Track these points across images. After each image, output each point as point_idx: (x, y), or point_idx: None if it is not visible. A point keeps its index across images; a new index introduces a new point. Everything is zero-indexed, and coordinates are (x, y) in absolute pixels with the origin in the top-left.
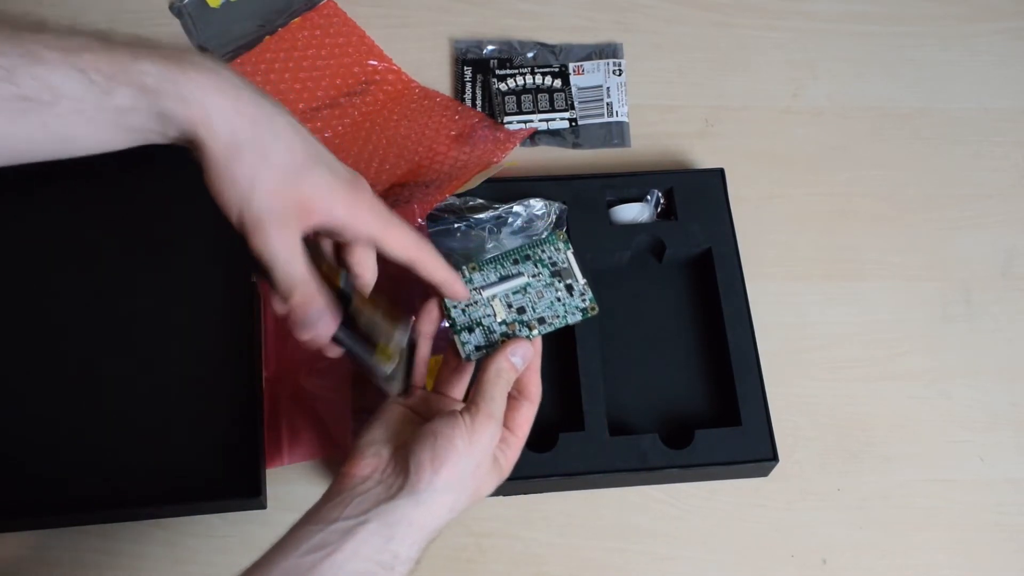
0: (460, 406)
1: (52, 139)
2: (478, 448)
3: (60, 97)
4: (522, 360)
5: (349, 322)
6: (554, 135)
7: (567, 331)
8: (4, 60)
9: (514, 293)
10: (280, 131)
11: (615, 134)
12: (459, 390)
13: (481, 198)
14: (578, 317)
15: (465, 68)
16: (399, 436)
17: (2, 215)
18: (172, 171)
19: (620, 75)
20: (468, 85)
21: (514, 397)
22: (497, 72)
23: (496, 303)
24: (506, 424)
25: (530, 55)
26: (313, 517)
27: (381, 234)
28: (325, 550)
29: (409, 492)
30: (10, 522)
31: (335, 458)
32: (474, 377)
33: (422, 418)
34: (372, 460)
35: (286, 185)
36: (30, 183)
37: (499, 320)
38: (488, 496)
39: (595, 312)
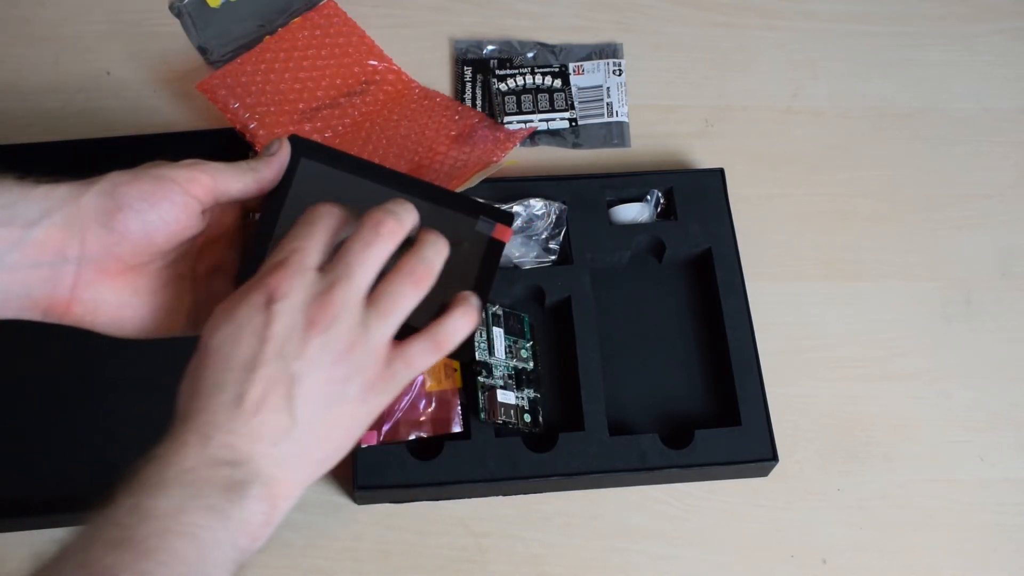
0: None
1: None
2: None
3: None
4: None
5: None
6: (554, 135)
7: (567, 331)
8: None
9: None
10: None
11: (615, 134)
12: None
13: (481, 198)
14: None
15: (465, 68)
16: None
17: None
18: None
19: (620, 75)
20: (468, 85)
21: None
22: (497, 72)
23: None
24: None
25: (530, 55)
26: None
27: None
28: None
29: None
30: (10, 522)
31: None
32: None
33: None
34: None
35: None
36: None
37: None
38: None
39: None
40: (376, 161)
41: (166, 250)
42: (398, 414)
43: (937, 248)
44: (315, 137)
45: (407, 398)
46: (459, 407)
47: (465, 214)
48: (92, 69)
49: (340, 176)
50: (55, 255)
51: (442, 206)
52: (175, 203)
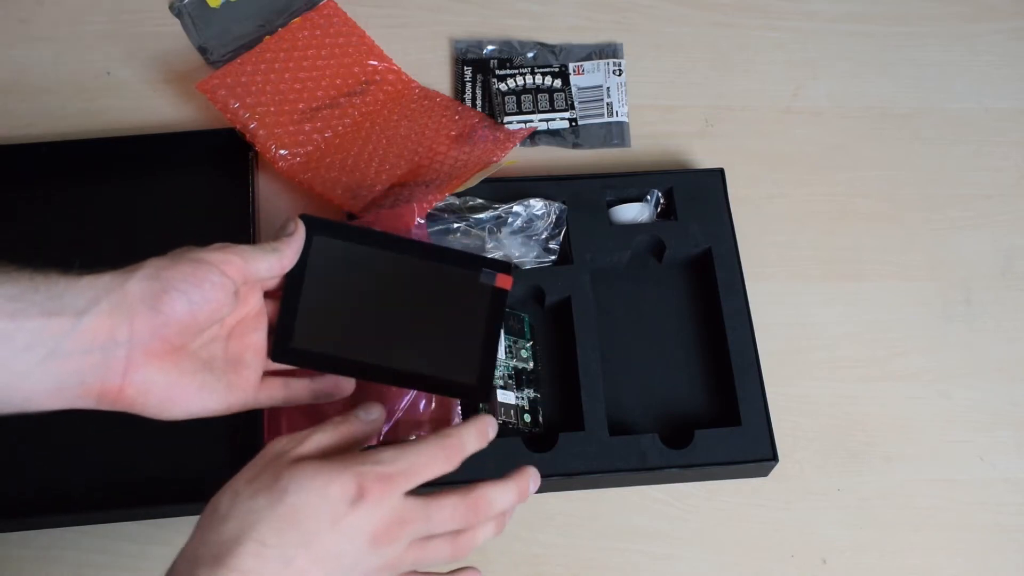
0: None
1: None
2: None
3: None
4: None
5: None
6: (554, 135)
7: (567, 331)
8: None
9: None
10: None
11: (615, 134)
12: None
13: (481, 198)
14: None
15: (465, 68)
16: None
17: (3, 214)
18: (170, 170)
19: (620, 75)
20: (468, 85)
21: None
22: (497, 72)
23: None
24: None
25: (530, 55)
26: None
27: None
28: None
29: None
30: (10, 522)
31: None
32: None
33: None
34: None
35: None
36: (31, 184)
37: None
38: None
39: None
40: (376, 161)
41: (205, 329)
42: (398, 414)
43: (937, 248)
44: (315, 137)
45: (407, 398)
46: (459, 407)
47: (467, 268)
48: (92, 69)
49: (351, 247)
50: (106, 340)
51: (445, 264)
52: (215, 284)
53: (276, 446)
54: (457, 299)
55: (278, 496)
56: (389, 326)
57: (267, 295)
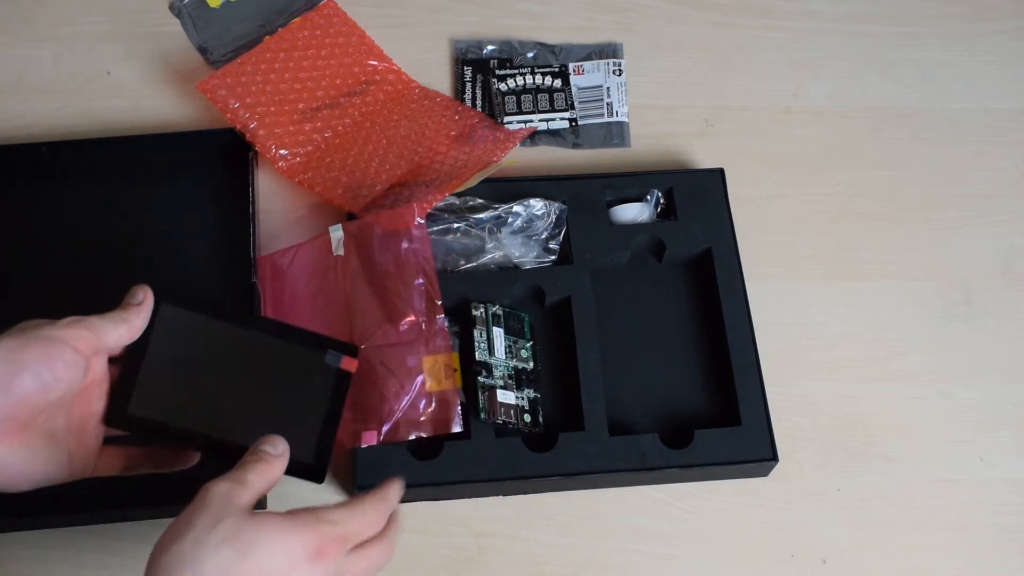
0: None
1: None
2: None
3: None
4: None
5: None
6: (554, 135)
7: (567, 331)
8: None
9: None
10: None
11: (615, 134)
12: None
13: (481, 198)
14: None
15: (465, 68)
16: None
17: (3, 214)
18: (168, 171)
19: (620, 75)
20: (468, 85)
21: None
22: (497, 72)
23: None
24: None
25: (530, 55)
26: None
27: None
28: None
29: None
30: (10, 522)
31: (334, 457)
32: None
33: None
34: None
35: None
36: (31, 184)
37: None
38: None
39: None
40: (376, 161)
41: (54, 405)
42: (398, 414)
43: (937, 248)
44: (315, 137)
45: (407, 398)
46: (459, 407)
47: (312, 348)
48: (92, 69)
49: (197, 318)
50: None
51: (291, 342)
52: (67, 362)
53: (218, 489)
54: (300, 378)
55: (244, 549)
56: (229, 399)
57: (111, 360)
